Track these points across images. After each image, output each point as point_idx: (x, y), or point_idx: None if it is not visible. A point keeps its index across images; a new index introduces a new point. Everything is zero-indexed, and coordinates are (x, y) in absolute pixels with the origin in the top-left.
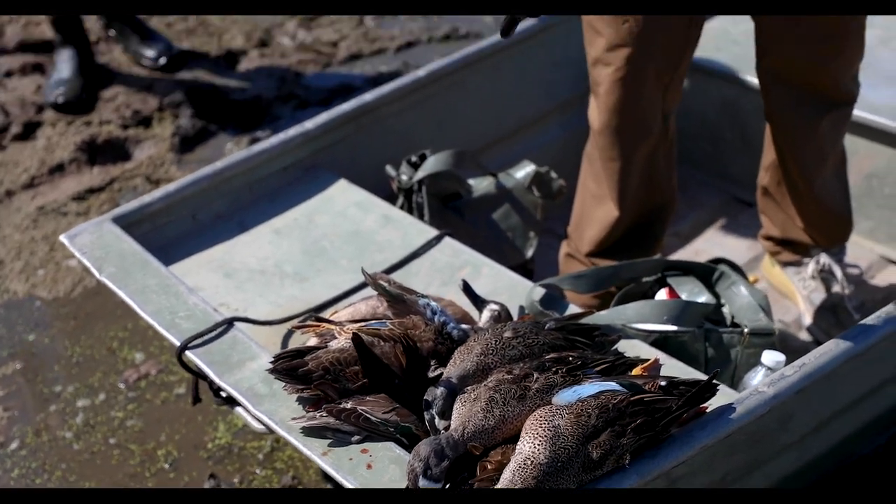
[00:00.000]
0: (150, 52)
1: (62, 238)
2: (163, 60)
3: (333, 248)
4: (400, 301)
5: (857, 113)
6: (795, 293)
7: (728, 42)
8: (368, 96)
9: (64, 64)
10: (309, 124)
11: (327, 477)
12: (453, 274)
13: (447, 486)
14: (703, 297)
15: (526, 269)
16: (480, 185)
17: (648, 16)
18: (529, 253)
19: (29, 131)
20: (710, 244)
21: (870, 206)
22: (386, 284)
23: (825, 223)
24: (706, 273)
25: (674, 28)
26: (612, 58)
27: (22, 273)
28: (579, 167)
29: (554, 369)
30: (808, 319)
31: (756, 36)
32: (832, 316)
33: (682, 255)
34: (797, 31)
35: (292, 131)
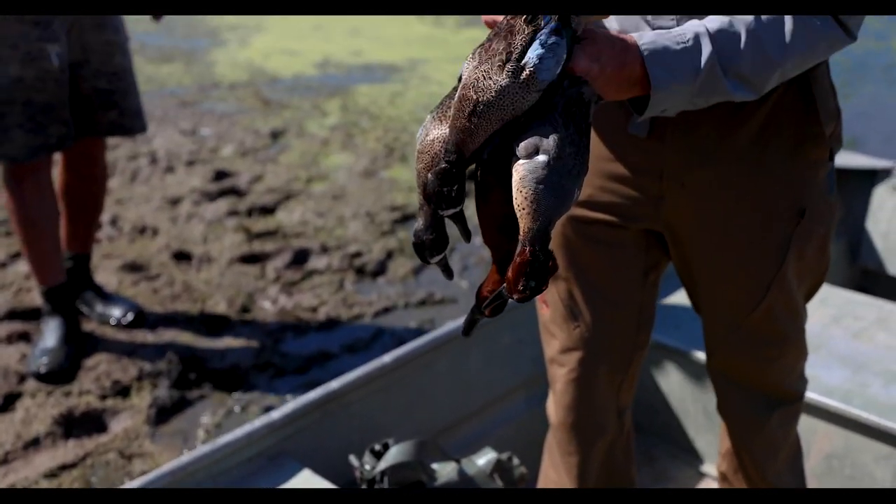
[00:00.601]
0: (116, 312)
1: None
2: (130, 316)
3: None
4: None
5: (812, 396)
6: None
7: (687, 319)
8: (335, 384)
9: (50, 333)
10: (275, 414)
11: None
12: None
13: None
14: None
15: None
16: (444, 470)
17: (598, 322)
18: None
19: (8, 402)
20: None
21: (832, 486)
22: None
23: None
24: None
25: (622, 333)
26: (565, 359)
27: None
28: (543, 443)
29: None
30: None
31: (703, 335)
32: None
33: None
34: (738, 334)
35: (258, 422)
